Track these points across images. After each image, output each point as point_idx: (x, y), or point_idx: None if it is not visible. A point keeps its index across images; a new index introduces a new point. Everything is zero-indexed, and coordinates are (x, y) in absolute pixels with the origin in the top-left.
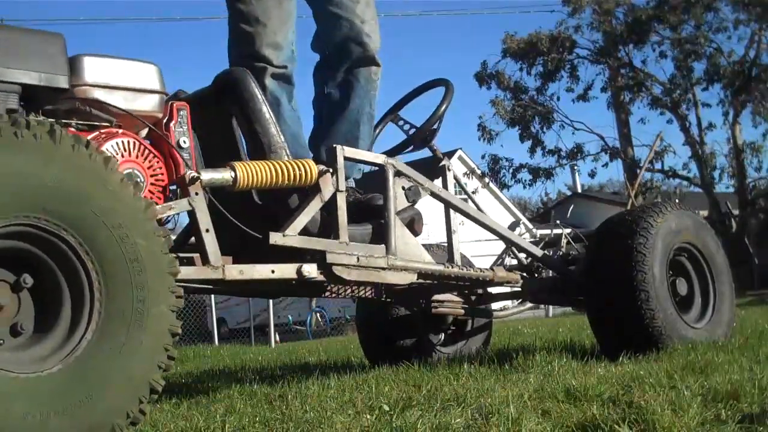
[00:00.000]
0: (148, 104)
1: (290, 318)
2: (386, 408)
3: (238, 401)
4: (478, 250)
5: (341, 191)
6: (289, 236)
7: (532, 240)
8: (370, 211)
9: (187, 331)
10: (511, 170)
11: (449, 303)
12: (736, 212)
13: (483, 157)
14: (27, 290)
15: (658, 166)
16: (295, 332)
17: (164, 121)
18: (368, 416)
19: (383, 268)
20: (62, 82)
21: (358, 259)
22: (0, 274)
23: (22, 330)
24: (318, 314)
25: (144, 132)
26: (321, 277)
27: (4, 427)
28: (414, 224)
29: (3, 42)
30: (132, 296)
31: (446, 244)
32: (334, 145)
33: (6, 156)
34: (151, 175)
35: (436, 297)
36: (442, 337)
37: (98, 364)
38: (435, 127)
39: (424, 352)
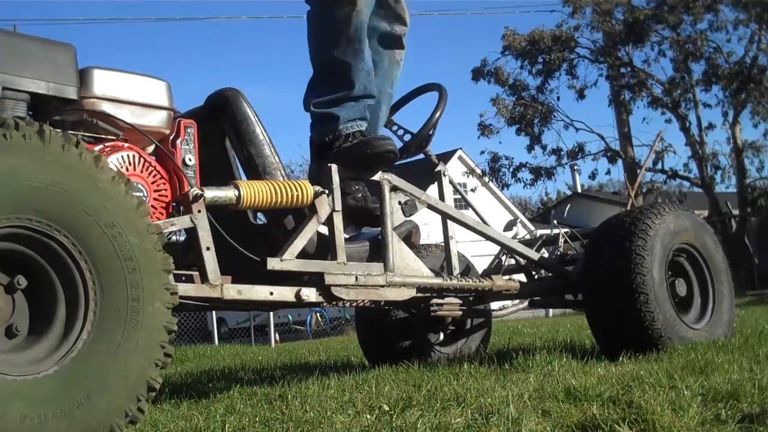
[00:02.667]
0: (156, 120)
1: (290, 318)
2: (386, 408)
3: (238, 401)
4: (477, 250)
5: (337, 211)
6: (287, 260)
7: (531, 238)
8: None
9: (187, 331)
10: (511, 169)
11: (448, 305)
12: (736, 212)
13: (482, 153)
14: (21, 291)
15: (658, 166)
16: (295, 332)
17: (171, 137)
18: (368, 416)
19: (382, 286)
20: (71, 93)
21: (356, 278)
22: None
23: (17, 332)
24: (318, 314)
25: (150, 148)
26: (320, 299)
27: (3, 430)
28: (411, 237)
29: (14, 50)
30: (127, 294)
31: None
32: (329, 164)
33: None
34: (155, 191)
35: (435, 300)
36: (441, 337)
37: (95, 364)
38: (430, 132)
39: (424, 352)
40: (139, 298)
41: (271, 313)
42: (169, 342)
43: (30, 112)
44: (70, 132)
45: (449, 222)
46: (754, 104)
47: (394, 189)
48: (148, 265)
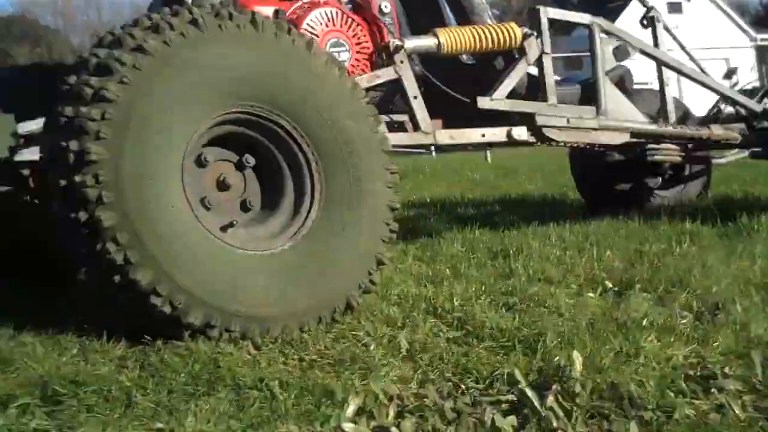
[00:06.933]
0: None
1: None
2: (609, 284)
3: None
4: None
5: (547, 53)
6: (497, 100)
7: (752, 88)
8: None
9: None
10: None
11: (665, 150)
12: None
13: None
14: (251, 169)
15: None
16: None
17: None
18: (592, 294)
19: (594, 129)
20: None
21: (568, 120)
22: (224, 155)
23: (250, 206)
24: None
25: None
26: (531, 139)
27: (251, 297)
28: (624, 83)
29: None
30: (348, 175)
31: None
32: (537, 7)
33: (216, 48)
34: (356, 44)
35: (652, 146)
36: (660, 182)
37: (325, 241)
38: None
39: (643, 197)
40: (361, 179)
41: None
42: (392, 219)
43: None
44: None
45: (664, 69)
46: None
47: (605, 33)
48: (365, 147)
